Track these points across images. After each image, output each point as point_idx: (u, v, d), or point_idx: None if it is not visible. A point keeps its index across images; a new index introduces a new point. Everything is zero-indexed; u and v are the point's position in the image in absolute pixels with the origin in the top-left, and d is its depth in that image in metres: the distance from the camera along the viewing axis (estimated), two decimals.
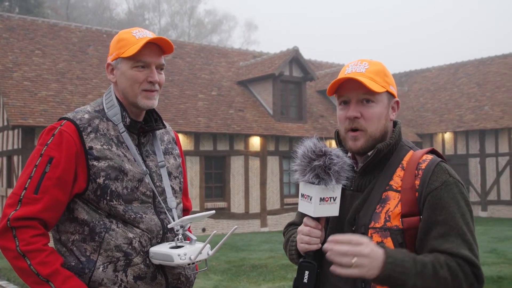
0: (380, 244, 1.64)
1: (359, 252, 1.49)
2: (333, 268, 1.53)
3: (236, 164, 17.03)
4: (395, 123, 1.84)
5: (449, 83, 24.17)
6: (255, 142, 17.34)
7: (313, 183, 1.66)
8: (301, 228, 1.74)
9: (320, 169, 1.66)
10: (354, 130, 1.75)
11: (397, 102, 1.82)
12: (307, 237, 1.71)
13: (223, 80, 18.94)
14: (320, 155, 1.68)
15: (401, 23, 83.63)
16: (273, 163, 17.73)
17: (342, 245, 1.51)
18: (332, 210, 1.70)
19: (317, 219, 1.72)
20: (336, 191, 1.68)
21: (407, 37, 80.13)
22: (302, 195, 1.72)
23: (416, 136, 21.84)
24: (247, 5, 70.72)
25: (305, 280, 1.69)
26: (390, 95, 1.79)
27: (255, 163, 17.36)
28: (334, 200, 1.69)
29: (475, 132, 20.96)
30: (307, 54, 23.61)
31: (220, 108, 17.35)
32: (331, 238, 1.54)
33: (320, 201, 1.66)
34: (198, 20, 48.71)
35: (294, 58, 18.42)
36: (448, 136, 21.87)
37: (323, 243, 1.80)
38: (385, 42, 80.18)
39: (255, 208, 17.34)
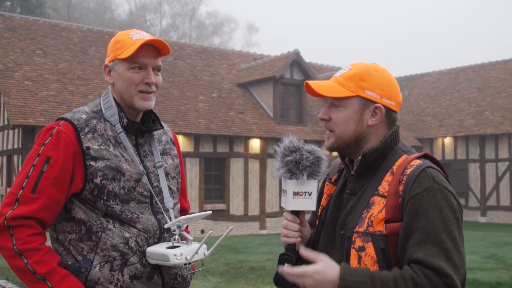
0: (361, 248, 1.64)
1: (303, 283, 1.60)
2: None
3: (236, 166, 17.04)
4: (393, 127, 1.79)
5: (449, 88, 24.16)
6: (255, 145, 17.35)
7: (286, 178, 1.73)
8: (283, 222, 1.82)
9: (291, 164, 1.72)
10: (330, 130, 1.83)
11: (379, 108, 1.75)
12: (285, 230, 1.79)
13: (223, 82, 18.95)
14: (293, 151, 1.74)
15: (401, 28, 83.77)
16: (272, 165, 17.70)
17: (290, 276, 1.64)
18: (308, 204, 1.74)
19: (296, 214, 1.79)
20: (309, 186, 1.73)
21: (408, 41, 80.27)
22: (283, 191, 1.78)
23: (416, 140, 21.84)
24: (248, 8, 70.82)
25: None
26: (368, 100, 1.75)
27: (254, 166, 17.37)
28: (310, 195, 1.73)
29: (475, 137, 20.96)
30: (308, 57, 23.58)
31: (221, 110, 17.36)
32: (280, 270, 1.68)
33: (294, 195, 1.72)
34: (199, 22, 48.75)
35: (295, 60, 18.40)
36: (448, 141, 21.87)
37: (316, 239, 1.86)
38: (386, 46, 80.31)
39: (254, 210, 17.34)
